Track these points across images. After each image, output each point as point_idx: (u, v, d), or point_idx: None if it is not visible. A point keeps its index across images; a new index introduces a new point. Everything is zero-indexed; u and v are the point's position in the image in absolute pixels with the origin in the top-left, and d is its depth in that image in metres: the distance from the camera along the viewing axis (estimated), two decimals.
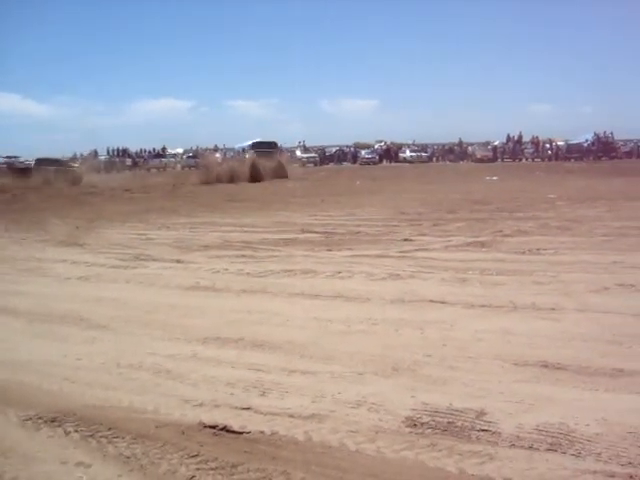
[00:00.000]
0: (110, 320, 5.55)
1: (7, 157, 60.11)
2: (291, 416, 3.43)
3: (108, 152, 59.25)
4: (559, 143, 51.64)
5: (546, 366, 3.99)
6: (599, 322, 4.86)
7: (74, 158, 57.23)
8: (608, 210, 12.67)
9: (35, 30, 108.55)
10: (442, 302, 5.65)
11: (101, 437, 3.31)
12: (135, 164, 54.79)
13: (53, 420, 3.53)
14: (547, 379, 3.80)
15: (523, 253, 7.94)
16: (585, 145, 48.88)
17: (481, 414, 3.33)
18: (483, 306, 5.47)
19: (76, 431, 3.39)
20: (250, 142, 36.62)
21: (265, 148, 35.46)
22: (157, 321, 5.49)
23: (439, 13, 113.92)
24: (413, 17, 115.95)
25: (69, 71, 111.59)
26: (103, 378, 4.15)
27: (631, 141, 52.66)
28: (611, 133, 50.01)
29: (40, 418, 3.57)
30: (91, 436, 3.33)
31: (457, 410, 3.39)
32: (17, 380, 4.21)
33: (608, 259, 7.27)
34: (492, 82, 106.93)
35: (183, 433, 3.31)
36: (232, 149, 54.93)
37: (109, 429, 3.38)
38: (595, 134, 49.27)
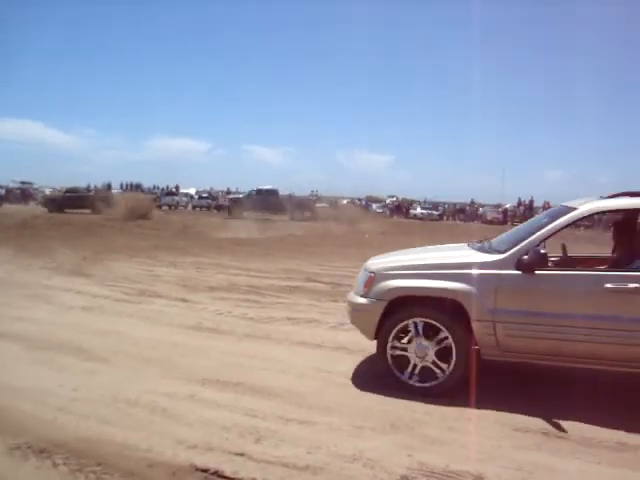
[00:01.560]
0: (111, 353, 5.52)
1: (22, 182, 60.82)
2: (285, 465, 3.37)
3: (121, 186, 59.79)
4: None
5: (547, 434, 3.92)
6: None
7: (88, 189, 57.97)
8: None
9: (61, 60, 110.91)
10: None
11: (89, 472, 3.26)
12: None
13: (42, 451, 3.48)
14: (547, 448, 3.73)
15: None
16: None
17: (478, 478, 3.26)
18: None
19: (65, 464, 3.34)
20: (255, 189, 36.99)
21: (265, 195, 36.06)
22: (157, 358, 5.45)
23: (455, 76, 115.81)
24: (429, 80, 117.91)
25: (92, 103, 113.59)
26: (99, 411, 4.10)
27: None
28: None
29: (29, 447, 3.52)
30: (79, 470, 3.28)
31: (454, 472, 3.33)
32: (11, 406, 4.17)
33: None
34: (507, 146, 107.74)
35: (174, 474, 3.26)
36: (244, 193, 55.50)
37: (99, 464, 3.34)
38: None
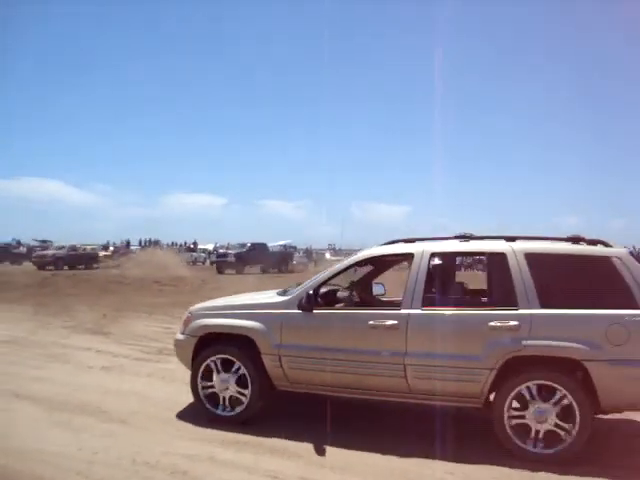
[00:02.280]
0: (129, 414, 5.47)
1: (42, 241, 61.70)
2: None
3: (140, 243, 60.40)
4: None
5: None
6: None
7: (106, 246, 58.52)
8: None
9: (78, 119, 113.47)
10: None
11: None
12: None
13: None
14: None
15: None
16: None
17: None
18: None
19: None
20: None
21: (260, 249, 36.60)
22: (175, 418, 5.40)
23: (468, 124, 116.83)
24: (442, 128, 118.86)
25: (107, 160, 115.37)
26: (117, 475, 4.05)
27: None
28: None
29: None
30: None
31: None
32: (28, 471, 4.12)
33: None
34: (521, 192, 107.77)
35: None
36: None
37: None
38: (625, 248, 48.85)
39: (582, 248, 4.81)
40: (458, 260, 5.29)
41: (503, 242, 4.95)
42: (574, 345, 4.32)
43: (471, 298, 5.35)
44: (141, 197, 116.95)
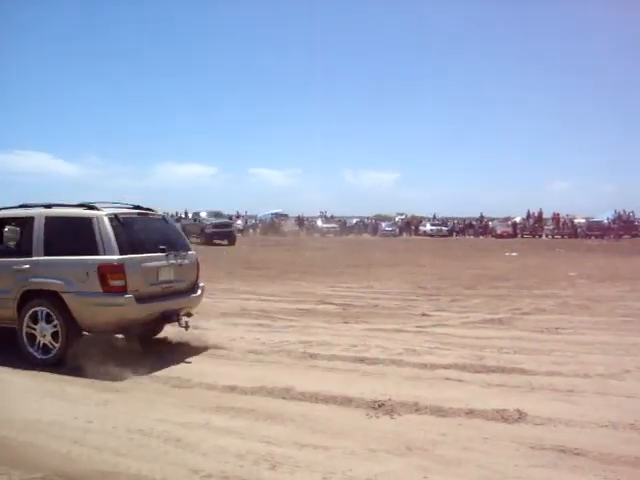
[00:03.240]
0: (124, 383, 5.53)
1: None
2: None
3: None
4: (580, 220, 51.49)
5: (564, 451, 3.88)
6: (620, 406, 4.74)
7: None
8: (630, 290, 12.52)
9: (66, 91, 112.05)
10: (459, 380, 5.57)
11: None
12: None
13: None
14: (565, 465, 3.69)
15: (541, 332, 7.85)
16: (606, 223, 48.70)
17: None
18: (499, 385, 5.38)
19: None
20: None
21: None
22: (170, 387, 5.45)
23: (461, 89, 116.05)
24: (434, 93, 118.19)
25: (97, 132, 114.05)
26: (113, 443, 4.10)
27: None
28: (632, 212, 49.88)
29: None
30: None
31: None
32: (24, 440, 4.17)
33: (629, 340, 7.16)
34: (513, 157, 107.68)
35: None
36: (254, 217, 55.63)
37: None
38: (616, 212, 49.14)
39: (76, 211, 6.46)
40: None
41: (41, 209, 6.62)
42: (56, 281, 6.10)
43: (7, 249, 6.57)
44: (131, 168, 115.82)
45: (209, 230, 31.96)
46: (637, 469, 3.62)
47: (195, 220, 34.66)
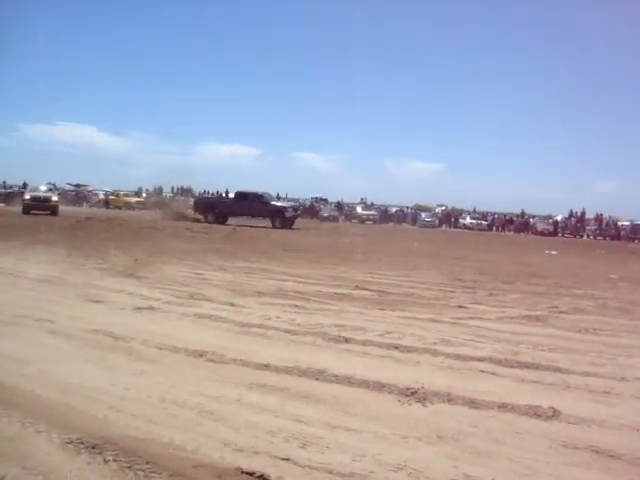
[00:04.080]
0: (160, 355, 5.62)
1: (76, 185, 62.66)
2: (330, 472, 3.37)
3: (172, 190, 60.72)
4: (624, 223, 50.49)
5: (597, 452, 3.83)
6: None
7: (139, 192, 59.08)
8: None
9: (114, 66, 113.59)
10: (493, 373, 5.52)
11: (138, 470, 3.31)
12: None
13: (94, 447, 3.56)
14: (597, 466, 3.64)
15: (579, 332, 7.71)
16: None
17: None
18: (534, 382, 5.32)
19: (115, 460, 3.41)
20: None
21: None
22: (205, 361, 5.52)
23: (506, 86, 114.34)
24: (480, 88, 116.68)
25: (143, 108, 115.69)
26: (147, 411, 4.18)
27: None
28: None
29: (82, 443, 3.60)
30: (129, 467, 3.33)
31: None
32: (64, 402, 4.28)
33: None
34: (558, 155, 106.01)
35: (220, 477, 3.28)
36: (294, 199, 55.76)
37: (147, 463, 3.39)
38: None
39: None
40: None
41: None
42: None
43: None
44: (175, 146, 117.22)
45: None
46: None
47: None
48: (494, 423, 4.26)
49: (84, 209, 48.24)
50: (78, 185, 63.74)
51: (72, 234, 18.71)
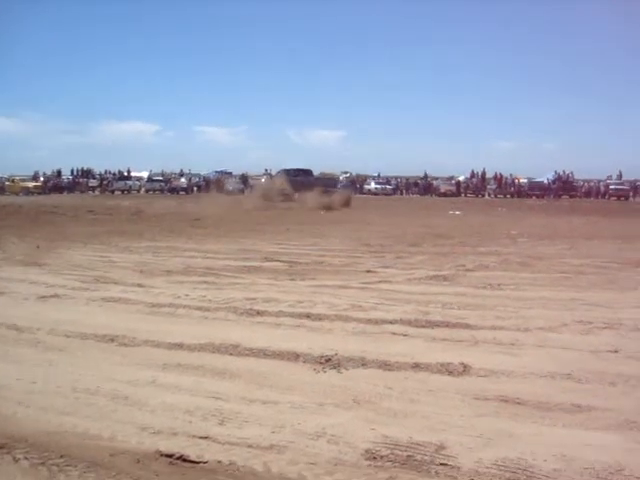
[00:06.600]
0: (68, 343, 5.45)
1: None
2: (250, 446, 3.38)
3: (72, 172, 58.41)
4: (521, 180, 52.64)
5: (506, 401, 4.01)
6: (558, 358, 4.92)
7: (36, 176, 56.56)
8: (568, 248, 12.91)
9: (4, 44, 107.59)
10: (404, 335, 5.67)
11: (52, 465, 3.21)
12: (101, 185, 54.14)
13: (2, 447, 3.41)
14: (506, 414, 3.82)
15: (485, 288, 8.02)
16: (546, 183, 49.92)
17: (440, 448, 3.33)
18: (444, 340, 5.50)
19: (26, 458, 3.29)
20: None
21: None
22: (115, 345, 5.40)
23: (408, 47, 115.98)
24: (379, 50, 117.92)
25: (37, 88, 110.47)
26: (58, 403, 4.05)
27: (591, 181, 53.98)
28: (571, 172, 51.31)
29: None
30: (42, 464, 3.23)
31: (417, 443, 3.38)
32: None
33: (567, 296, 7.39)
34: (457, 117, 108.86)
35: (139, 462, 3.24)
36: (198, 175, 54.97)
37: (61, 456, 3.29)
38: (556, 173, 50.44)
39: None
40: None
41: None
42: None
43: None
44: (72, 124, 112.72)
45: None
46: (572, 415, 3.78)
47: None
48: (408, 383, 4.39)
49: None
50: None
51: None
